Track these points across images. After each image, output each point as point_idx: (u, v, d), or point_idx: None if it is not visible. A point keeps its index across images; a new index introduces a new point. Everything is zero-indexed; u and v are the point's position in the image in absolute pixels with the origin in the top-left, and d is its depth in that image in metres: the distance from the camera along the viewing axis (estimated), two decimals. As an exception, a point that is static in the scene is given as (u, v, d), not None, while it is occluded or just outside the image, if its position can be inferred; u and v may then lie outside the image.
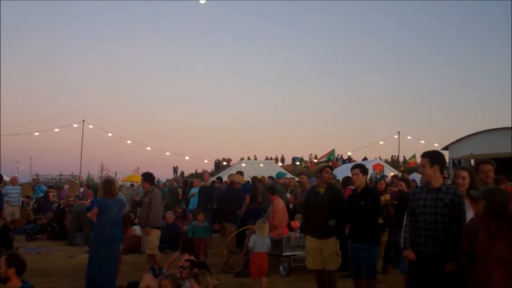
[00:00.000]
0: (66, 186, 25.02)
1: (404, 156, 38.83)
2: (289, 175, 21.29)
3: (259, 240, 8.76)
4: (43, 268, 10.63)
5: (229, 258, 10.86)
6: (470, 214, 5.33)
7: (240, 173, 14.11)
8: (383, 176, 17.52)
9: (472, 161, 22.04)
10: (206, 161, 43.50)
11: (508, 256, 4.44)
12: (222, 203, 11.86)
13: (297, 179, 18.55)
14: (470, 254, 4.67)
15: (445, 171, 10.36)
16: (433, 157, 5.51)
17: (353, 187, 9.52)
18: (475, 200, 5.12)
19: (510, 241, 4.48)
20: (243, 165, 30.36)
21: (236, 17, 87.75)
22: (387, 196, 9.98)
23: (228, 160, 47.69)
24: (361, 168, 7.30)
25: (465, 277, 4.76)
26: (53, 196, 20.94)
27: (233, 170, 26.72)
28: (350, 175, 10.64)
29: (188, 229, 11.71)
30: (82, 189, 25.10)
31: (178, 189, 18.82)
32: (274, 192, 10.77)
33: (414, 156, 29.52)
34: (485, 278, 4.47)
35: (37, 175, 37.06)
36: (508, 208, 4.75)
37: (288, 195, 13.82)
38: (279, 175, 14.31)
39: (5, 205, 16.52)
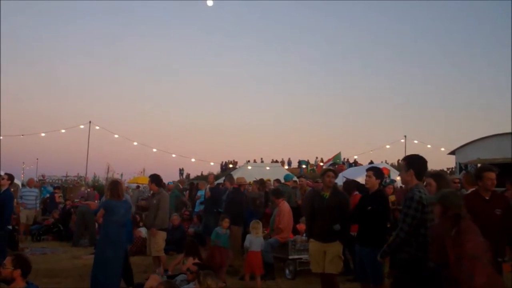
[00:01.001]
0: (82, 188, 25.03)
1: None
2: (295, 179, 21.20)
3: (254, 240, 9.24)
4: (49, 269, 10.63)
5: (235, 261, 10.86)
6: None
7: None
8: (392, 181, 17.43)
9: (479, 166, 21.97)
10: (212, 163, 43.62)
11: (479, 253, 4.43)
12: (229, 206, 11.82)
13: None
14: (441, 263, 4.66)
15: (455, 176, 10.33)
16: (410, 161, 5.54)
17: (357, 192, 9.57)
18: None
19: (474, 238, 4.47)
20: (249, 167, 30.24)
21: (244, 19, 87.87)
22: (392, 197, 9.97)
23: (234, 163, 47.65)
24: (375, 171, 7.22)
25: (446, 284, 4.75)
26: (59, 197, 20.97)
27: (239, 173, 26.73)
28: (352, 180, 10.74)
29: (211, 234, 10.29)
30: (87, 190, 25.07)
31: (184, 191, 18.81)
32: (279, 196, 10.75)
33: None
34: (468, 280, 4.45)
35: (43, 176, 37.15)
36: (463, 211, 4.74)
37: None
38: (287, 177, 14.17)
39: (21, 208, 16.51)
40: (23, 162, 57.76)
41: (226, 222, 9.74)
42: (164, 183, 13.52)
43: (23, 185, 29.35)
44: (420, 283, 5.16)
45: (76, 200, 21.46)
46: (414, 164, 5.49)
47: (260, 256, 9.26)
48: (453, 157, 31.04)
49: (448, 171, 35.89)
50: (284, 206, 10.56)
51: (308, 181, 15.08)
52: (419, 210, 5.21)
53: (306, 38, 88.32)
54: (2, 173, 10.99)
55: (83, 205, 16.35)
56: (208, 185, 14.29)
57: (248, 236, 9.52)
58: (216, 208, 12.78)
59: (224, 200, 12.58)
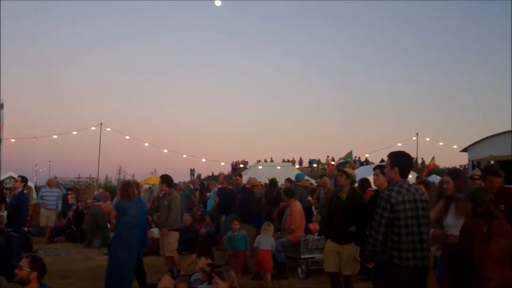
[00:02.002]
0: (101, 190, 25.15)
1: (422, 158, 38.60)
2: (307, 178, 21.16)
3: (264, 239, 9.32)
4: (62, 270, 10.70)
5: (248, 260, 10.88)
6: (450, 218, 5.34)
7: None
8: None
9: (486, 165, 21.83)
10: (222, 163, 43.62)
11: (504, 257, 4.43)
12: (241, 205, 11.84)
13: (312, 181, 18.54)
14: (465, 257, 4.66)
15: (476, 172, 10.24)
16: (395, 158, 5.47)
17: (371, 189, 9.50)
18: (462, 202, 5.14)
19: (502, 241, 4.47)
20: (260, 167, 30.20)
21: (253, 20, 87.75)
22: None
23: (245, 163, 47.63)
24: (382, 169, 7.17)
25: (459, 279, 4.76)
26: (72, 198, 21.07)
27: (249, 173, 26.72)
28: (366, 178, 10.69)
29: (225, 241, 10.18)
30: (98, 191, 25.21)
31: (195, 191, 18.86)
32: (291, 195, 10.74)
33: (433, 159, 29.31)
34: (484, 281, 4.45)
35: (55, 178, 37.43)
36: (493, 206, 4.73)
37: (309, 197, 13.68)
38: (299, 176, 14.09)
39: (41, 209, 16.53)
40: (36, 164, 58.01)
41: (235, 224, 9.52)
42: (175, 184, 13.58)
43: (36, 186, 29.54)
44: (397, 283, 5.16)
45: (89, 201, 21.64)
46: (399, 161, 5.43)
47: (270, 254, 9.29)
48: (465, 154, 30.82)
49: (461, 169, 35.73)
50: (296, 206, 10.55)
51: (318, 180, 15.06)
52: (387, 209, 5.13)
53: (316, 36, 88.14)
54: (15, 176, 11.10)
55: (95, 207, 16.42)
56: (220, 185, 14.36)
57: (258, 236, 9.56)
58: (228, 208, 12.76)
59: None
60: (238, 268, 8.91)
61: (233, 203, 12.57)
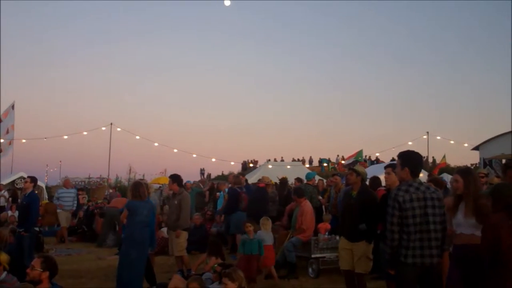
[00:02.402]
0: (111, 190, 25.21)
1: (433, 157, 38.40)
2: (317, 177, 21.08)
3: (265, 235, 9.44)
4: (73, 270, 10.74)
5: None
6: (460, 217, 5.31)
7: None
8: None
9: (504, 162, 21.70)
10: (232, 163, 43.60)
11: None
12: (254, 205, 11.82)
13: (324, 180, 18.44)
14: (494, 251, 4.63)
15: (482, 170, 10.22)
16: (405, 158, 5.49)
17: (382, 187, 9.46)
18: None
19: None
20: (270, 166, 30.17)
21: (263, 19, 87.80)
22: None
23: (255, 162, 47.61)
24: (394, 167, 7.13)
25: (489, 273, 4.73)
26: (83, 198, 21.13)
27: (259, 172, 26.68)
28: (377, 176, 10.64)
29: (239, 245, 9.53)
30: (109, 191, 25.25)
31: (203, 191, 18.82)
32: (301, 195, 10.70)
33: (444, 157, 29.16)
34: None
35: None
36: None
37: (320, 197, 13.66)
38: (309, 175, 14.03)
39: (59, 210, 16.40)
40: (47, 165, 58.29)
41: (249, 227, 9.10)
42: (185, 183, 13.59)
43: (46, 186, 29.67)
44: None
45: (99, 201, 21.65)
46: (409, 161, 5.46)
47: (273, 249, 9.44)
48: (477, 152, 30.73)
49: (472, 167, 35.55)
50: (307, 206, 10.51)
51: (329, 179, 14.99)
52: (396, 207, 5.17)
53: (327, 35, 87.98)
54: (26, 176, 11.13)
55: (111, 208, 16.19)
56: (230, 185, 14.34)
57: (259, 232, 9.51)
58: (237, 208, 12.76)
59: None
60: (251, 273, 8.56)
61: (237, 203, 12.65)
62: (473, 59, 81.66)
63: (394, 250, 5.28)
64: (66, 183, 17.63)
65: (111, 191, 24.58)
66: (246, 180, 17.20)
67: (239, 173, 16.59)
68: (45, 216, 17.59)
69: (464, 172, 5.78)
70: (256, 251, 8.89)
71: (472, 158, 37.56)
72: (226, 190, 14.54)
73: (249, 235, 9.07)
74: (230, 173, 16.67)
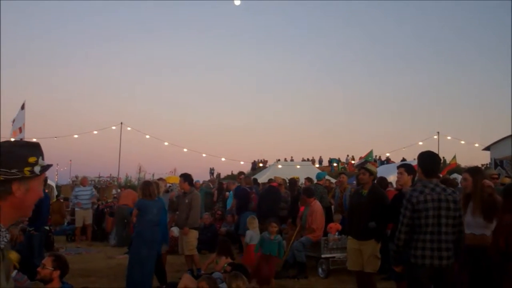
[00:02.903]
0: (119, 189, 25.20)
1: (443, 157, 38.19)
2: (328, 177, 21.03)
3: (254, 234, 9.61)
4: (83, 269, 10.75)
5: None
6: (469, 216, 5.27)
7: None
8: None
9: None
10: (242, 162, 43.59)
11: None
12: (264, 204, 11.78)
13: (333, 181, 18.43)
14: (506, 252, 4.62)
15: (493, 172, 10.19)
16: (418, 158, 5.53)
17: (392, 188, 9.45)
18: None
19: None
20: (280, 166, 30.13)
21: (273, 18, 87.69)
22: None
23: (264, 162, 47.61)
24: (406, 167, 7.11)
25: (498, 274, 4.72)
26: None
27: (269, 172, 26.66)
28: (383, 176, 10.63)
29: (258, 242, 9.25)
30: (118, 190, 25.26)
31: (212, 191, 18.82)
32: (310, 195, 10.68)
33: (454, 157, 29.01)
34: None
35: (76, 177, 37.66)
36: None
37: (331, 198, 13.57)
38: (320, 175, 14.01)
39: (77, 209, 16.00)
40: (57, 164, 58.58)
41: (273, 227, 8.85)
42: (195, 183, 13.59)
43: (57, 185, 29.81)
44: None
45: (109, 200, 21.68)
46: (421, 161, 5.43)
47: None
48: (487, 152, 30.53)
49: (483, 167, 35.38)
50: (316, 206, 10.49)
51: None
52: (408, 208, 5.15)
53: (336, 33, 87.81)
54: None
55: (122, 206, 16.00)
56: (238, 184, 14.34)
57: (248, 232, 9.67)
58: (246, 207, 12.74)
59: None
60: (270, 274, 8.60)
61: (247, 203, 12.65)
62: (484, 59, 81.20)
63: (400, 249, 5.27)
64: (83, 181, 17.11)
65: (119, 190, 24.59)
66: (255, 180, 17.25)
67: (240, 172, 16.55)
68: (52, 215, 17.57)
69: (473, 170, 5.76)
70: (275, 253, 8.70)
71: (483, 159, 37.48)
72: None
73: (271, 234, 8.85)
74: (240, 173, 16.60)
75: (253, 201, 12.57)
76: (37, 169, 2.08)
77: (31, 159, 2.05)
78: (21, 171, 2.03)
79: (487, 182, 5.59)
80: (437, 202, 5.07)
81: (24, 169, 2.03)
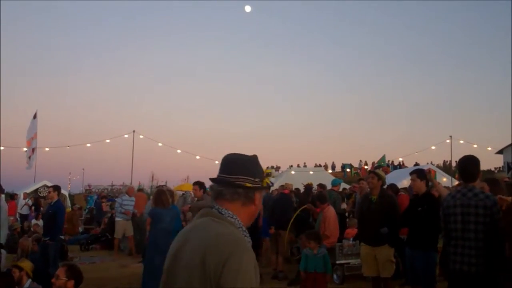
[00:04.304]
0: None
1: (456, 161, 38.00)
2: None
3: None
4: (98, 278, 10.74)
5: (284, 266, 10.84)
6: None
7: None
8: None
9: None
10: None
11: None
12: (278, 210, 11.74)
13: (346, 186, 18.38)
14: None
15: (505, 175, 10.10)
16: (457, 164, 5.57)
17: (402, 192, 9.42)
18: None
19: None
20: (293, 172, 30.10)
21: (286, 24, 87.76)
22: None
23: (277, 168, 47.60)
24: (418, 173, 7.09)
25: None
26: (106, 205, 21.20)
27: (282, 178, 26.62)
28: (393, 183, 10.60)
29: (301, 261, 8.40)
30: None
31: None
32: (324, 201, 10.62)
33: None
34: None
35: (89, 186, 37.94)
36: None
37: (345, 204, 13.53)
38: (335, 182, 13.96)
39: (117, 219, 15.36)
40: (70, 173, 58.94)
41: (313, 243, 8.10)
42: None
43: (69, 194, 29.80)
44: None
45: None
46: (458, 166, 5.58)
47: None
48: (500, 156, 30.34)
49: (496, 171, 35.13)
50: (330, 212, 10.41)
51: (354, 185, 14.95)
52: (442, 213, 5.32)
53: (347, 39, 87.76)
54: (49, 184, 11.22)
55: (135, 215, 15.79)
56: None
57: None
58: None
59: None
60: None
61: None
62: (496, 62, 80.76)
63: (444, 253, 5.31)
64: (129, 191, 16.39)
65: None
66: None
67: None
68: (65, 225, 17.56)
69: (491, 181, 5.74)
70: (322, 269, 8.00)
71: (496, 162, 37.20)
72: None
73: (312, 250, 8.09)
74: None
75: None
76: (271, 180, 2.25)
77: (267, 171, 2.20)
78: (261, 181, 2.24)
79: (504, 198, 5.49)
80: (467, 207, 4.97)
81: (264, 180, 2.26)
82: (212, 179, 2.28)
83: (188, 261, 2.05)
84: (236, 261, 1.95)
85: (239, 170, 2.21)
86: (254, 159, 2.30)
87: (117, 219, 15.47)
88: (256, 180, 2.21)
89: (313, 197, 12.88)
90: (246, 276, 1.95)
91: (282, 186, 14.54)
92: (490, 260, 4.87)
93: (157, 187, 14.55)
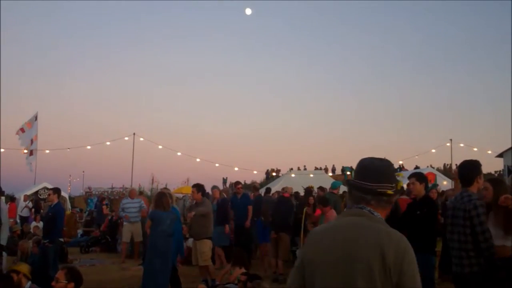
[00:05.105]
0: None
1: (456, 164, 37.97)
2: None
3: None
4: (98, 281, 10.74)
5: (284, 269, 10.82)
6: (490, 227, 5.22)
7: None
8: (435, 185, 17.16)
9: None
10: (255, 172, 43.51)
11: None
12: (278, 214, 11.71)
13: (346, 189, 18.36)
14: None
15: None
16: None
17: (405, 196, 9.37)
18: None
19: None
20: (293, 175, 30.11)
21: (285, 27, 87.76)
22: None
23: (277, 171, 47.55)
24: (417, 176, 7.05)
25: None
26: (106, 208, 21.17)
27: (282, 181, 26.63)
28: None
29: None
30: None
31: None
32: (326, 204, 10.60)
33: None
34: None
35: (89, 188, 37.88)
36: None
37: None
38: (335, 184, 13.96)
39: (125, 223, 15.04)
40: (70, 175, 59.02)
41: None
42: (207, 192, 13.54)
43: (69, 197, 29.78)
44: None
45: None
46: (457, 171, 5.57)
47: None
48: (501, 159, 30.32)
49: (496, 174, 35.10)
50: (331, 215, 10.40)
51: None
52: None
53: (348, 42, 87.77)
54: (50, 186, 11.21)
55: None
56: (252, 193, 14.31)
57: None
58: (226, 219, 12.93)
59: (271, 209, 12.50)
60: None
61: (226, 213, 12.96)
62: (497, 66, 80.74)
63: (444, 256, 5.42)
64: (131, 193, 16.06)
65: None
66: (269, 189, 17.24)
67: (236, 182, 16.66)
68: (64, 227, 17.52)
69: (495, 181, 5.70)
70: None
71: (496, 165, 37.20)
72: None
73: None
74: (253, 182, 16.57)
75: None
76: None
77: (399, 174, 2.55)
78: (397, 185, 2.45)
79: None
80: (461, 211, 5.11)
81: (398, 183, 2.45)
82: (354, 186, 2.47)
83: (366, 254, 2.25)
84: (411, 253, 2.29)
85: (381, 178, 2.42)
86: (391, 166, 2.52)
87: (124, 223, 15.09)
88: (393, 185, 2.43)
89: (315, 199, 12.88)
90: (416, 266, 2.29)
91: (284, 189, 14.53)
92: (480, 260, 5.00)
93: (161, 190, 14.40)
